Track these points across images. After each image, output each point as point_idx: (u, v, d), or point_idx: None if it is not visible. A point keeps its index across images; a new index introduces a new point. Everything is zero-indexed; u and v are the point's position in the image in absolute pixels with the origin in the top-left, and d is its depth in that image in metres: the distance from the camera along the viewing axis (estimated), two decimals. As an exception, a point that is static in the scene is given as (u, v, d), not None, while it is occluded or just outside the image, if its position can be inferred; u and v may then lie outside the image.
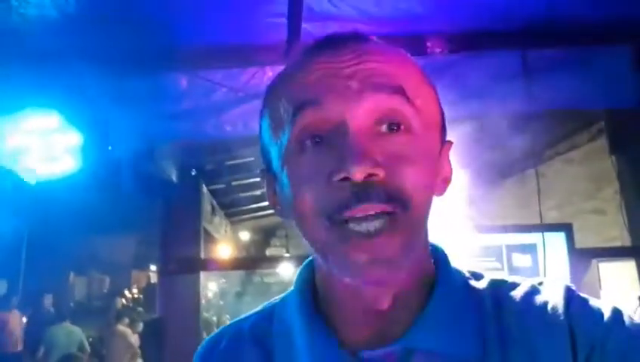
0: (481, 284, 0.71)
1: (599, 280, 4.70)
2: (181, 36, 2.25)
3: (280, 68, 2.19)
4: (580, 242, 3.06)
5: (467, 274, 0.73)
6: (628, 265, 4.05)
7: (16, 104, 2.22)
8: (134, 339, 6.91)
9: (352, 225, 0.59)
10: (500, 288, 0.70)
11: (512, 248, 3.03)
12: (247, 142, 4.11)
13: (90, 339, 8.34)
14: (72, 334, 6.99)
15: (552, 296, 0.67)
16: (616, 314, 0.64)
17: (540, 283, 0.70)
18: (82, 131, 2.30)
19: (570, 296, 0.67)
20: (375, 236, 0.59)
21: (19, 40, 1.96)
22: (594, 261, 4.59)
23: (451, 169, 0.72)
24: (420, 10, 2.12)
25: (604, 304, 0.66)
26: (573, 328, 0.64)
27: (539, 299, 0.68)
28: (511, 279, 0.72)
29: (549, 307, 0.66)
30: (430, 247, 0.72)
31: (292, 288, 0.76)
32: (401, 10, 2.13)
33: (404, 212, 0.60)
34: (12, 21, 1.83)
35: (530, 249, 2.99)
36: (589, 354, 0.62)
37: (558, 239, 3.00)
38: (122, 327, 6.99)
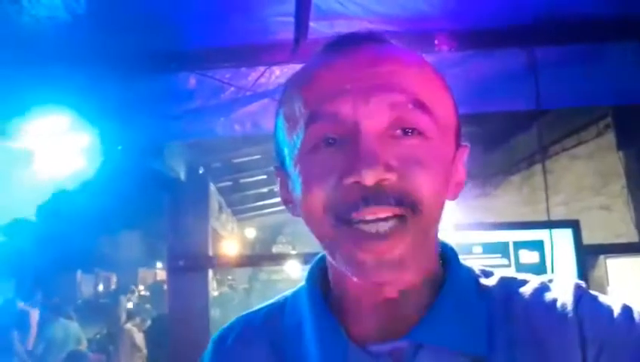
0: (490, 282, 0.72)
1: (607, 276, 4.69)
2: (190, 36, 2.26)
3: (288, 67, 2.20)
4: (588, 238, 3.05)
5: (477, 272, 0.74)
6: (635, 261, 4.04)
7: (26, 105, 2.24)
8: (140, 338, 6.92)
9: (360, 226, 0.60)
10: (509, 285, 0.71)
11: (519, 245, 3.02)
12: (254, 140, 4.12)
13: (98, 336, 8.38)
14: (68, 330, 6.94)
15: (562, 294, 0.68)
16: (627, 312, 0.65)
17: (550, 281, 0.71)
18: (92, 131, 2.31)
19: (579, 293, 0.67)
20: (383, 237, 0.60)
21: (30, 41, 1.98)
22: (601, 257, 4.58)
23: (465, 173, 0.72)
24: (427, 8, 2.13)
25: (614, 302, 0.66)
26: (583, 326, 0.64)
27: (548, 297, 0.68)
28: (521, 276, 0.73)
29: (558, 305, 0.66)
30: (440, 245, 0.73)
31: (303, 282, 0.77)
32: (409, 9, 2.13)
33: (413, 216, 0.61)
34: (23, 22, 1.84)
35: (537, 245, 2.98)
36: (599, 352, 0.62)
37: (565, 235, 2.99)
38: (129, 326, 7.01)
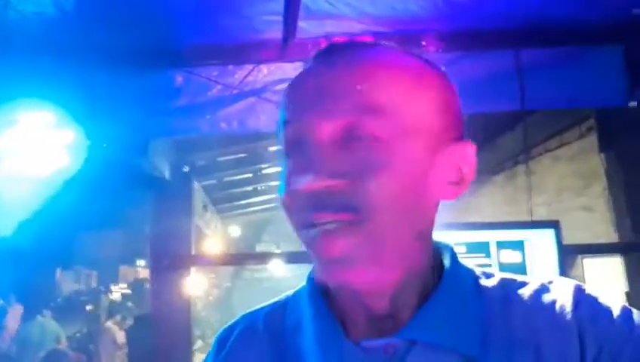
0: (490, 283, 0.72)
1: (583, 275, 4.76)
2: (177, 33, 2.25)
3: (275, 65, 2.19)
4: (569, 239, 3.09)
5: (477, 273, 0.74)
6: (611, 261, 4.11)
7: (10, 100, 2.21)
8: (120, 336, 6.87)
9: (314, 229, 0.62)
10: (508, 286, 0.71)
11: (501, 244, 3.05)
12: (240, 138, 4.11)
13: (78, 335, 8.29)
14: (44, 328, 6.84)
15: (561, 296, 0.68)
16: (626, 313, 0.65)
17: (550, 282, 0.71)
18: (77, 128, 2.29)
19: (579, 295, 0.68)
20: (331, 238, 0.62)
21: (15, 36, 1.96)
22: (578, 257, 4.65)
23: (459, 172, 0.70)
24: (415, 9, 2.14)
25: (613, 303, 0.66)
26: (581, 328, 0.64)
27: (547, 298, 0.68)
28: (521, 278, 0.73)
29: (557, 306, 0.67)
30: (435, 245, 0.73)
31: (304, 282, 0.78)
32: (397, 9, 2.14)
33: (362, 221, 0.61)
34: (9, 17, 1.82)
35: (519, 245, 3.01)
36: (598, 355, 0.62)
37: (546, 236, 3.02)
38: (109, 324, 6.95)
